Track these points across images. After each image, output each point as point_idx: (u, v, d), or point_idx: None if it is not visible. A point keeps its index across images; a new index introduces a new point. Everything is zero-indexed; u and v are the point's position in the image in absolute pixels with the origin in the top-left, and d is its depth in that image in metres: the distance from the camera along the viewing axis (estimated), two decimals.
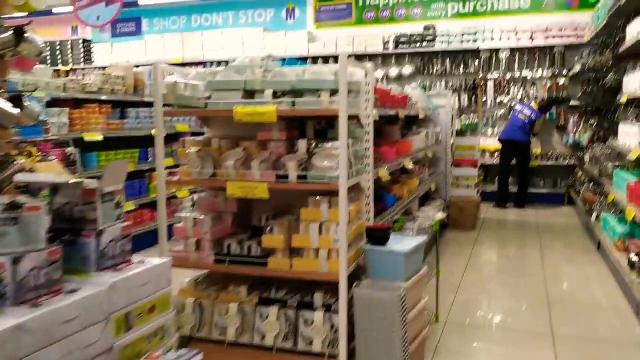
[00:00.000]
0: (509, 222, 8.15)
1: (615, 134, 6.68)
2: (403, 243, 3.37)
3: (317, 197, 3.20)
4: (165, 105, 3.44)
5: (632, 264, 4.53)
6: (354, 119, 3.42)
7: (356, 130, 3.38)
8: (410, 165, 5.19)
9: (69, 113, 5.77)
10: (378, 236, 3.29)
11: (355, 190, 3.45)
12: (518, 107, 8.94)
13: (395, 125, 5.87)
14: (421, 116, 6.27)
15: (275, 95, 3.19)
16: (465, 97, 10.13)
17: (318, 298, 3.24)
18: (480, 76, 9.98)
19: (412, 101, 6.18)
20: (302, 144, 3.25)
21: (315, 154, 3.17)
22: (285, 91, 3.18)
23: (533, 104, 9.00)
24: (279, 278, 3.35)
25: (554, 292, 4.89)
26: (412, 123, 6.96)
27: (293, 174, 3.11)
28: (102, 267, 1.99)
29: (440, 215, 6.65)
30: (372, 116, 3.60)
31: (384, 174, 4.19)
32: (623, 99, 5.66)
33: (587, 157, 8.12)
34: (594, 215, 6.69)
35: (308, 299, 3.28)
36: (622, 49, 6.11)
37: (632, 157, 4.62)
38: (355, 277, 3.27)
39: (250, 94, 3.25)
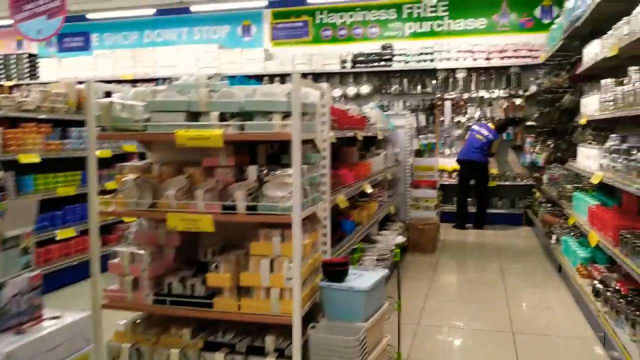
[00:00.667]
0: (469, 244, 8.02)
1: (573, 155, 6.64)
2: (363, 278, 3.10)
3: (269, 230, 2.91)
4: (100, 126, 3.10)
5: (596, 292, 4.39)
6: (308, 143, 3.15)
7: (311, 155, 3.12)
8: (369, 188, 4.95)
9: (2, 133, 5.31)
10: (335, 272, 3.02)
11: (310, 221, 3.18)
12: (475, 127, 8.88)
13: (353, 146, 5.65)
14: (379, 137, 6.07)
15: (223, 117, 2.89)
16: (422, 117, 10.05)
17: (269, 342, 2.93)
18: (437, 96, 9.92)
19: (371, 121, 5.98)
20: (251, 171, 2.96)
21: (266, 182, 2.88)
22: (233, 113, 2.89)
23: (490, 124, 8.97)
24: (226, 320, 3.02)
25: (517, 321, 4.71)
26: (371, 144, 6.76)
27: (241, 204, 2.81)
28: (2, 327, 1.64)
29: (400, 239, 6.43)
30: (329, 139, 3.34)
31: (342, 200, 3.93)
32: (582, 120, 5.60)
33: (545, 178, 8.09)
34: (554, 237, 6.60)
35: (258, 343, 2.97)
36: (578, 70, 6.08)
37: (595, 180, 4.52)
38: (310, 317, 2.98)
39: (194, 115, 2.95)
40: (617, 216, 4.40)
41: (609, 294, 4.09)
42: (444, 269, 6.54)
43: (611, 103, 4.62)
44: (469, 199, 9.12)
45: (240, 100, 2.86)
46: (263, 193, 2.83)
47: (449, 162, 9.86)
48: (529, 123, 9.49)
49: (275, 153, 3.16)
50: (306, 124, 2.98)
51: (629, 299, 3.84)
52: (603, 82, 4.90)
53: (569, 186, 6.41)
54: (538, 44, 9.28)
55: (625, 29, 4.12)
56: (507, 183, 9.57)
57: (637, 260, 3.54)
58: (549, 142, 7.96)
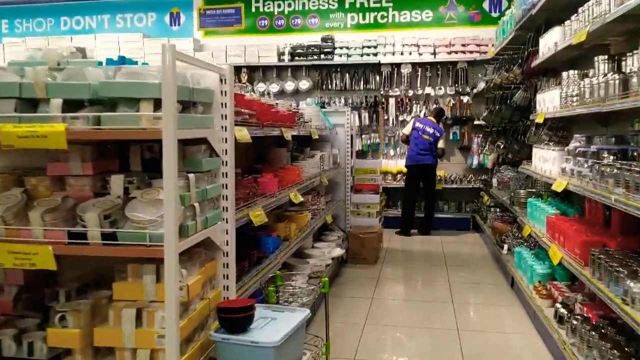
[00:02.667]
0: (414, 253, 7.37)
1: (527, 157, 6.08)
2: (275, 325, 2.31)
3: (139, 265, 2.07)
4: None
5: (559, 318, 3.77)
6: (201, 143, 2.34)
7: (203, 160, 2.30)
8: (298, 197, 4.17)
9: None
10: (234, 320, 2.21)
11: (205, 248, 2.36)
12: (419, 126, 8.15)
13: (282, 147, 4.86)
14: (315, 136, 5.30)
15: (75, 106, 2.04)
16: (365, 115, 9.38)
17: None
18: (381, 92, 9.27)
19: (304, 118, 5.21)
20: (115, 183, 2.12)
21: (134, 198, 2.05)
22: (86, 101, 2.04)
23: (431, 118, 8.32)
24: None
25: (470, 354, 4.04)
26: (307, 144, 6.00)
27: (94, 231, 1.96)
28: None
29: (338, 252, 5.72)
30: (232, 139, 2.53)
31: (259, 214, 3.13)
32: (538, 119, 5.00)
33: (494, 181, 7.54)
34: (505, 247, 6.02)
35: None
36: (534, 63, 5.50)
37: (557, 188, 3.89)
38: None
39: (32, 104, 2.08)
40: (583, 229, 3.79)
41: (576, 322, 3.46)
42: (387, 284, 5.84)
43: (575, 98, 4.01)
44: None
45: (94, 82, 2.01)
46: (126, 214, 1.99)
47: (393, 164, 9.23)
48: (476, 122, 8.96)
49: (155, 158, 2.32)
50: (192, 118, 2.16)
51: (602, 330, 3.21)
52: (565, 74, 4.29)
53: (522, 191, 5.84)
54: (487, 39, 8.77)
55: (596, 10, 3.49)
56: (454, 186, 9.01)
57: (615, 287, 2.90)
58: (499, 143, 7.42)
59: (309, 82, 9.48)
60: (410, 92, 9.21)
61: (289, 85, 9.51)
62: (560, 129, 5.39)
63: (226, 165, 2.46)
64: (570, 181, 3.78)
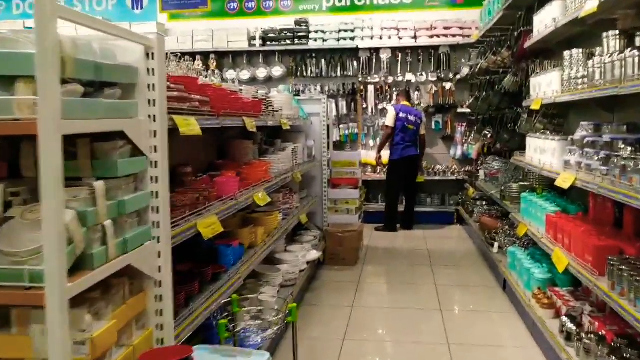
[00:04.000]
0: (397, 251, 6.85)
1: (518, 147, 5.58)
2: None
3: (27, 310, 1.49)
4: None
5: (567, 334, 3.27)
6: (119, 138, 1.75)
7: (119, 162, 1.71)
8: (266, 198, 3.60)
9: None
10: None
11: (123, 281, 1.78)
12: (403, 116, 7.59)
13: (248, 140, 4.28)
14: (285, 127, 4.72)
15: None
16: (343, 104, 8.81)
17: None
18: (359, 79, 8.71)
19: (274, 107, 4.63)
20: None
21: (10, 219, 1.46)
22: None
23: (405, 103, 7.79)
24: None
25: None
26: (278, 136, 5.42)
27: None
28: None
29: (314, 255, 5.17)
30: (164, 132, 1.95)
31: (212, 224, 2.55)
32: (533, 105, 4.49)
33: (481, 173, 7.04)
34: (496, 245, 5.53)
35: None
36: (527, 44, 4.98)
37: (563, 184, 3.38)
38: None
39: None
40: (594, 231, 3.28)
41: (589, 342, 2.96)
42: (368, 288, 5.31)
43: (580, 80, 3.49)
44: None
45: None
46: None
47: (373, 155, 8.68)
48: (460, 110, 8.45)
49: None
50: (95, 104, 1.58)
51: (623, 355, 2.71)
52: (567, 54, 3.77)
53: (514, 185, 5.33)
54: (470, 21, 8.25)
55: None
56: (437, 178, 8.51)
57: None
58: (486, 132, 6.91)
59: (283, 69, 8.87)
60: (390, 79, 8.67)
61: (261, 72, 8.90)
62: (555, 117, 4.89)
63: (156, 166, 1.88)
64: (578, 176, 3.27)
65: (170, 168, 2.95)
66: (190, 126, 2.55)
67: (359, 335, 4.15)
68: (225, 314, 2.72)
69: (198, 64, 8.84)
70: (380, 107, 8.71)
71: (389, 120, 7.52)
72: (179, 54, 4.11)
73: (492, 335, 4.16)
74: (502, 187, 5.61)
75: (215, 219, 2.65)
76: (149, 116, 1.86)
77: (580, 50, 3.62)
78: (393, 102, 8.28)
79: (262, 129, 5.08)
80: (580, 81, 3.49)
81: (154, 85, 1.86)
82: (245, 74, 8.88)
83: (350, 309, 4.68)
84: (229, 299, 2.74)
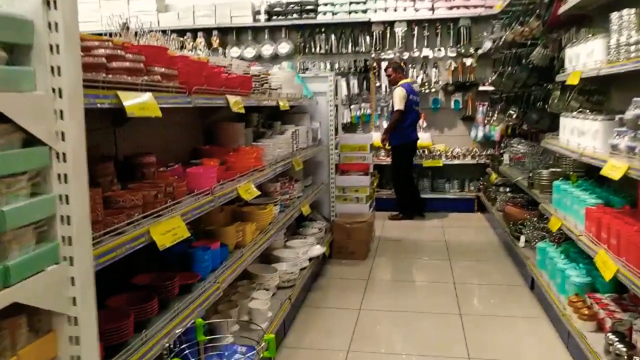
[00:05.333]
0: (411, 242, 6.28)
1: (548, 128, 4.96)
2: None
3: None
4: None
5: (616, 356, 2.70)
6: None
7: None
8: (251, 190, 3.05)
9: None
10: None
11: (19, 320, 1.25)
12: (412, 98, 7.04)
13: (238, 122, 3.73)
14: (283, 106, 4.16)
15: None
16: (354, 82, 8.20)
17: None
18: (372, 56, 8.08)
19: (270, 85, 4.07)
20: None
21: None
22: None
23: (406, 80, 7.20)
24: None
25: None
26: (279, 118, 4.88)
27: None
28: None
29: (317, 251, 4.63)
30: (79, 113, 1.41)
31: (169, 229, 2.02)
32: (570, 79, 3.86)
33: (505, 157, 6.42)
34: (522, 239, 4.94)
35: None
36: (560, 10, 4.33)
37: (614, 174, 2.78)
38: None
39: None
40: None
41: None
42: (378, 287, 4.76)
43: (634, 47, 2.87)
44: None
45: None
46: None
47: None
48: (482, 88, 7.79)
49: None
50: None
51: None
52: (616, 16, 3.14)
53: (544, 171, 4.72)
54: None
55: None
56: (456, 162, 7.89)
57: None
58: (511, 111, 6.27)
59: (290, 46, 8.28)
60: (406, 55, 8.03)
61: (267, 50, 8.31)
62: (595, 93, 4.26)
63: (65, 160, 1.34)
64: (632, 164, 2.67)
65: (128, 157, 2.44)
66: (145, 106, 2.01)
67: (366, 346, 3.62)
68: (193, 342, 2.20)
69: (200, 41, 8.30)
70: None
71: (400, 102, 6.85)
72: (168, 30, 3.59)
73: (521, 348, 3.59)
74: (530, 174, 5.00)
75: (178, 222, 2.11)
76: (53, 90, 1.32)
77: (633, 10, 2.99)
78: (384, 79, 7.64)
79: (259, 110, 4.54)
80: (633, 47, 2.87)
81: (58, 46, 1.31)
82: (249, 52, 8.31)
83: (358, 313, 4.15)
84: (193, 325, 2.21)
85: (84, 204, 1.39)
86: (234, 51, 8.30)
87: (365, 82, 8.21)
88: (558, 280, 3.77)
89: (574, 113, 3.95)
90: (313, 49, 8.25)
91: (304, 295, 4.39)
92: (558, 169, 4.70)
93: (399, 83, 6.97)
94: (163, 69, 2.35)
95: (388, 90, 8.05)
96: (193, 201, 2.37)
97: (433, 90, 8.00)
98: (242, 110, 3.14)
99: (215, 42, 8.37)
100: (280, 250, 4.27)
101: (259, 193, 3.13)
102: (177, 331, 2.09)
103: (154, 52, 2.44)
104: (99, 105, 1.74)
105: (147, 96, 2.04)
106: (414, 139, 7.12)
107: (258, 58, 8.23)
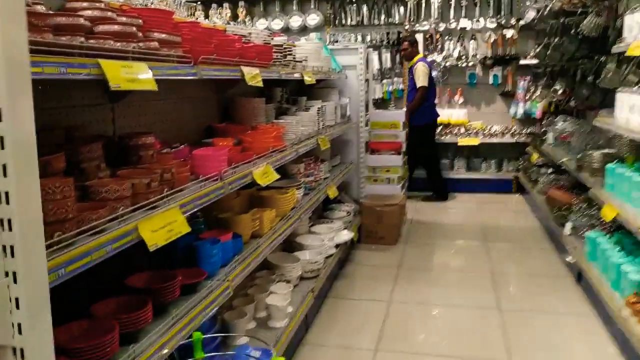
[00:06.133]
0: (445, 226, 5.91)
1: (600, 105, 4.50)
2: None
3: None
4: None
5: None
6: None
7: None
8: (270, 174, 2.73)
9: None
10: None
11: None
12: (433, 73, 6.68)
13: (257, 98, 3.41)
14: (308, 80, 3.80)
15: None
16: (387, 56, 7.77)
17: None
18: (406, 27, 7.61)
19: (294, 57, 3.72)
20: None
21: None
22: None
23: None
24: None
25: None
26: (305, 93, 4.54)
27: None
28: None
29: (345, 236, 4.32)
30: (19, 85, 1.09)
31: (165, 224, 1.72)
32: (632, 49, 3.40)
33: (549, 136, 5.95)
34: (569, 226, 4.53)
35: None
36: None
37: None
38: None
39: None
40: None
41: None
42: (410, 276, 4.43)
43: None
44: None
45: None
46: None
47: None
48: (523, 62, 7.27)
49: None
50: None
51: None
52: None
53: (596, 153, 4.27)
54: None
55: None
56: (494, 140, 7.42)
57: None
58: (556, 87, 5.77)
59: (319, 17, 7.87)
60: (442, 27, 7.55)
61: (295, 21, 7.93)
62: None
63: (2, 147, 1.03)
64: None
65: (123, 137, 2.13)
66: (136, 77, 1.69)
67: (395, 344, 3.30)
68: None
69: (226, 12, 7.95)
70: (430, 58, 7.61)
71: (424, 79, 6.43)
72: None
73: (568, 350, 3.22)
74: (579, 155, 4.56)
75: (176, 215, 1.81)
76: None
77: None
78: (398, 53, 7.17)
79: (283, 85, 4.20)
80: None
81: None
82: (277, 24, 7.94)
83: (387, 306, 3.83)
84: (189, 341, 1.90)
85: (32, 202, 1.09)
86: (261, 23, 7.94)
87: (398, 56, 7.76)
88: (612, 276, 3.37)
89: (635, 88, 3.50)
90: (343, 21, 7.84)
91: (330, 284, 4.09)
92: (611, 150, 4.25)
93: (416, 58, 6.53)
94: (163, 35, 2.03)
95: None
96: (197, 189, 2.06)
97: (470, 64, 7.51)
98: (260, 84, 2.80)
99: (242, 13, 8.01)
100: (304, 237, 3.97)
101: (278, 177, 2.81)
102: (175, 341, 1.80)
103: (156, 16, 2.12)
104: (71, 76, 1.43)
105: (139, 66, 1.73)
106: (436, 117, 6.78)
107: (286, 30, 7.86)
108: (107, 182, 1.64)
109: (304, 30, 7.85)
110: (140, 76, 1.73)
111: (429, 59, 7.45)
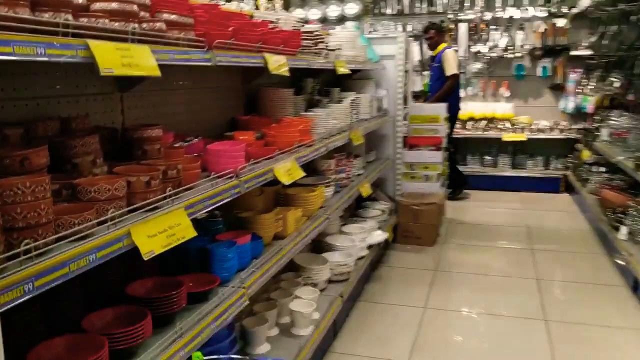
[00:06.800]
0: (486, 227, 5.56)
1: None
2: None
3: None
4: None
5: None
6: None
7: None
8: (294, 171, 2.51)
9: None
10: None
11: None
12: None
13: (283, 89, 3.19)
14: (340, 70, 3.56)
15: None
16: None
17: None
18: (449, 16, 7.27)
19: (326, 45, 3.49)
20: None
21: None
22: None
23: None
24: None
25: None
26: (339, 84, 4.31)
27: None
28: None
29: (378, 237, 4.07)
30: None
31: (164, 229, 1.52)
32: None
33: (603, 132, 5.54)
34: (624, 230, 4.15)
35: None
36: None
37: None
38: None
39: None
40: None
41: None
42: (447, 280, 4.15)
43: None
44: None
45: None
46: None
47: (463, 108, 7.30)
48: (574, 53, 6.82)
49: None
50: None
51: None
52: None
53: None
54: None
55: None
56: (541, 136, 7.00)
57: None
58: (613, 79, 5.35)
59: (358, 6, 7.61)
60: (488, 15, 7.16)
61: (333, 11, 7.68)
62: None
63: None
64: None
65: (126, 130, 1.93)
66: (134, 61, 1.49)
67: (430, 355, 3.04)
68: None
69: (261, 2, 7.77)
70: (474, 49, 7.25)
71: (455, 66, 6.06)
72: None
73: None
74: (638, 153, 4.17)
75: (180, 217, 1.61)
76: None
77: None
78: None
79: (315, 75, 3.96)
80: None
81: None
82: (314, 13, 7.71)
83: (422, 313, 3.57)
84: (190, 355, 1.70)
85: None
86: (298, 13, 7.72)
87: None
88: None
89: None
90: (383, 10, 7.53)
91: (361, 287, 3.86)
92: None
93: (441, 46, 6.16)
94: (173, 16, 1.83)
95: (467, 54, 7.23)
96: (207, 187, 1.86)
97: (518, 55, 7.10)
98: (286, 73, 2.58)
99: (278, 2, 7.79)
100: (334, 237, 3.73)
101: (304, 174, 2.58)
102: (178, 358, 1.60)
103: None
104: (53, 58, 1.23)
105: (140, 49, 1.53)
106: (458, 111, 6.39)
107: (323, 21, 7.63)
108: (96, 180, 1.44)
109: (342, 20, 7.60)
110: (140, 61, 1.53)
111: (474, 49, 7.10)
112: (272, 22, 3.05)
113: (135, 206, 1.51)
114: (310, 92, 3.89)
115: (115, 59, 1.43)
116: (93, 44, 1.37)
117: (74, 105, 1.91)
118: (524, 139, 6.94)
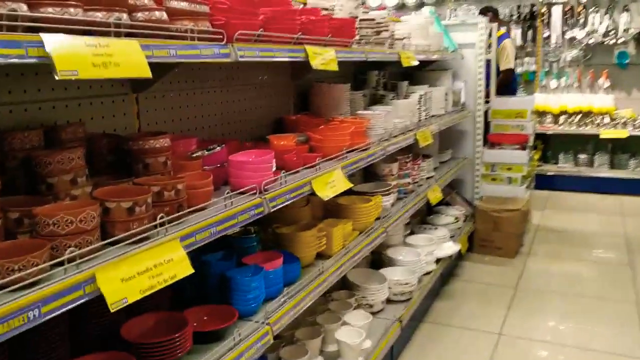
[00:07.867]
0: (578, 236, 4.92)
1: None
2: None
3: None
4: None
5: None
6: None
7: None
8: (336, 183, 2.15)
9: None
10: None
11: None
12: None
13: (337, 84, 2.84)
14: (407, 62, 3.14)
15: None
16: (517, 32, 6.78)
17: None
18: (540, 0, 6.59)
19: (390, 34, 3.10)
20: None
21: None
22: None
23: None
24: None
25: None
26: (409, 76, 3.91)
27: None
28: None
29: (449, 249, 3.63)
30: None
31: (136, 272, 1.22)
32: None
33: None
34: None
35: None
36: None
37: None
38: None
39: None
40: None
41: None
42: (528, 301, 3.64)
43: None
44: None
45: None
46: None
47: (555, 100, 6.64)
48: None
49: None
50: None
51: None
52: None
53: None
54: None
55: None
56: None
57: None
58: None
59: None
60: None
61: None
62: None
63: None
64: None
65: (124, 140, 1.62)
66: (113, 59, 1.20)
67: None
68: None
69: None
70: (568, 35, 6.52)
71: (512, 59, 5.42)
72: None
73: None
74: None
75: (174, 250, 1.30)
76: None
77: None
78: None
79: (381, 67, 3.57)
80: None
81: None
82: (391, 0, 7.26)
83: (496, 340, 3.11)
84: None
85: None
86: (374, 0, 7.30)
87: (530, 32, 6.75)
88: None
89: None
90: None
91: (427, 305, 3.45)
92: None
93: (500, 33, 5.38)
94: (183, 4, 1.53)
95: (560, 42, 6.52)
96: (218, 209, 1.54)
97: (620, 40, 6.30)
98: (334, 68, 2.22)
99: None
100: (396, 249, 3.33)
101: (350, 186, 2.22)
102: None
103: None
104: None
105: (123, 45, 1.23)
106: None
107: (401, 7, 7.17)
108: (55, 209, 1.16)
109: (421, 6, 7.08)
110: (122, 59, 1.23)
111: (569, 35, 6.39)
112: (325, 9, 2.71)
113: (111, 240, 1.22)
114: (374, 86, 3.51)
115: (84, 57, 1.14)
116: (50, 39, 1.09)
117: (76, 110, 1.67)
118: (625, 135, 6.16)
